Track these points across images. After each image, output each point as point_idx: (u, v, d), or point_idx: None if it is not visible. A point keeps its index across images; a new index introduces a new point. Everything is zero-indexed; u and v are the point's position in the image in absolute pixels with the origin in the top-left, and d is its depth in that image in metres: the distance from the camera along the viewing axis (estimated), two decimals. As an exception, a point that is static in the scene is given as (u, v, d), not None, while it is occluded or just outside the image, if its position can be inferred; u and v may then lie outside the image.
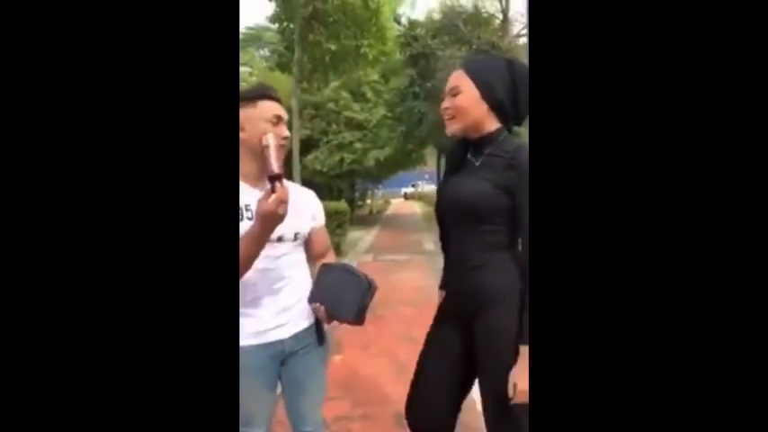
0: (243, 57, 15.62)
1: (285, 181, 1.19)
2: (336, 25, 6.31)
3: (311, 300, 1.14)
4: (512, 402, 1.01)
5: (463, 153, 1.17)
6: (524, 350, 0.99)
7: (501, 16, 8.17)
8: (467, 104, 1.09)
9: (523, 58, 3.99)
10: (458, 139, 1.18)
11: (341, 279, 1.12)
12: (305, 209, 1.21)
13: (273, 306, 1.13)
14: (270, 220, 0.97)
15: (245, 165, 1.10)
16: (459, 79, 1.11)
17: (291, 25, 6.93)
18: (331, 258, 1.29)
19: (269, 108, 1.11)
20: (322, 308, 1.11)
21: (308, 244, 1.24)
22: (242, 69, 15.51)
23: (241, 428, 1.12)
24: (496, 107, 1.10)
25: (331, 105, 11.95)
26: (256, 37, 17.57)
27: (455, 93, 1.10)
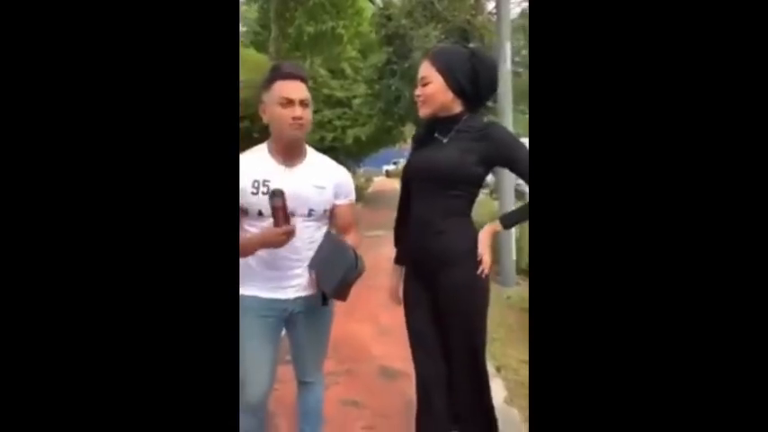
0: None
1: (319, 155, 1.32)
2: (314, 7, 6.32)
3: (309, 266, 1.19)
4: (483, 275, 1.25)
5: (430, 133, 1.34)
6: (493, 227, 1.27)
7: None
8: (434, 92, 1.25)
9: (495, 34, 4.08)
10: (425, 122, 1.35)
11: (332, 251, 1.14)
12: (328, 186, 1.26)
13: (283, 270, 1.22)
14: (270, 245, 1.13)
15: (278, 145, 1.21)
16: (427, 70, 1.26)
17: (265, 6, 6.88)
18: (354, 234, 1.34)
19: (279, 90, 1.16)
20: (313, 275, 1.17)
21: (331, 219, 1.31)
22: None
23: (247, 377, 1.22)
24: (460, 92, 1.26)
25: (309, 83, 11.83)
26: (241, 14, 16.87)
27: (424, 83, 1.27)
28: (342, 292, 1.10)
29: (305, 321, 1.30)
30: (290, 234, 1.09)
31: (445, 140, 1.29)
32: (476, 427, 1.37)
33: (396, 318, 1.47)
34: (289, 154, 1.22)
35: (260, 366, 1.25)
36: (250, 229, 1.20)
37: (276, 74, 1.18)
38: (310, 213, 1.22)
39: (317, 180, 1.24)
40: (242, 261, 1.19)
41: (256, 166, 1.19)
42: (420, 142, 1.38)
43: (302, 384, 1.42)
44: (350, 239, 1.28)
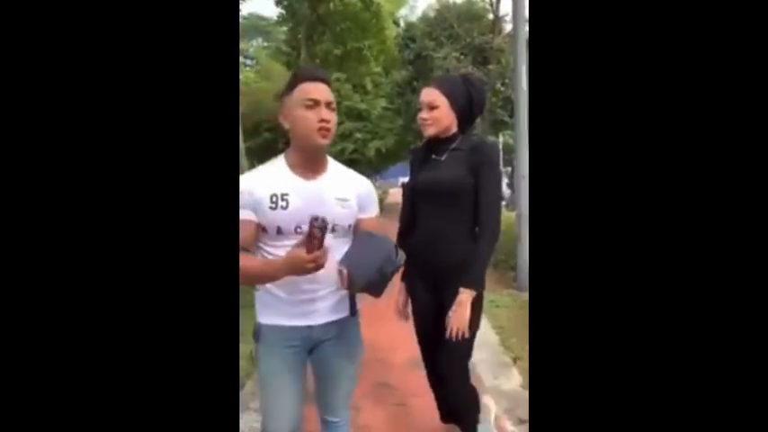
0: (245, 48, 15.49)
1: (341, 166, 1.19)
2: (342, 32, 6.75)
3: (340, 263, 1.05)
4: (448, 335, 1.31)
5: (427, 153, 1.48)
6: (467, 292, 1.31)
7: (492, 15, 8.54)
8: (442, 116, 1.40)
9: (511, 55, 4.40)
10: (424, 144, 1.52)
11: (365, 243, 1.06)
12: (352, 199, 1.14)
13: (307, 294, 1.10)
14: (298, 272, 0.99)
15: (299, 156, 1.10)
16: (434, 95, 1.40)
17: (298, 28, 7.37)
18: None
19: (305, 91, 1.06)
20: (345, 272, 1.03)
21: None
22: (245, 61, 15.41)
23: (271, 414, 1.11)
24: (459, 115, 1.43)
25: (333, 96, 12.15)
26: (261, 29, 17.53)
27: (432, 107, 1.40)
28: (376, 285, 1.01)
29: (333, 350, 1.16)
30: (318, 263, 0.97)
31: (442, 159, 1.43)
32: (469, 413, 1.53)
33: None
34: (310, 165, 1.11)
35: (286, 402, 1.12)
36: (270, 249, 1.09)
37: (298, 77, 1.09)
38: (333, 229, 1.09)
39: (340, 192, 1.13)
40: (261, 285, 1.10)
41: (273, 179, 1.08)
42: (421, 163, 1.50)
43: (328, 424, 1.25)
44: None
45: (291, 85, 1.09)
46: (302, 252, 0.96)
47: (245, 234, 1.05)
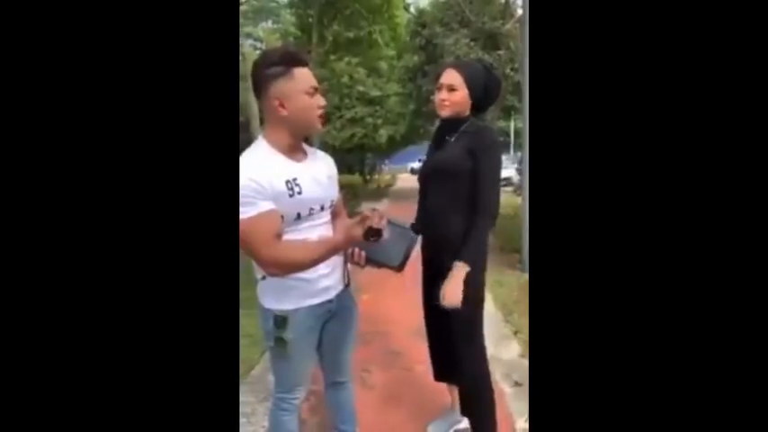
0: (254, 32, 15.41)
1: (309, 148, 1.20)
2: (352, 16, 6.82)
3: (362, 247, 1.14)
4: (441, 304, 1.37)
5: (443, 135, 1.55)
6: (460, 265, 1.36)
7: (503, 0, 8.47)
8: (460, 100, 1.46)
9: (521, 41, 4.45)
10: (439, 125, 1.59)
11: (389, 230, 1.12)
12: (334, 175, 1.24)
13: (321, 270, 1.15)
14: (354, 243, 1.06)
15: (289, 140, 1.09)
16: (455, 78, 1.44)
17: (308, 11, 7.44)
18: (344, 216, 1.33)
19: (305, 78, 1.06)
20: (362, 252, 1.14)
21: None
22: (256, 44, 15.33)
23: (291, 391, 1.23)
24: (474, 101, 1.49)
25: (344, 80, 12.16)
26: (270, 11, 17.47)
27: (452, 89, 1.45)
28: (405, 264, 1.17)
29: (340, 320, 1.27)
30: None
31: (452, 139, 1.49)
32: (480, 386, 1.58)
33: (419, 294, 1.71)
34: (297, 148, 1.13)
35: (306, 367, 1.25)
36: (289, 237, 1.09)
37: (294, 60, 1.05)
38: (331, 205, 1.21)
39: (327, 170, 1.20)
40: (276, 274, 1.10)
41: (278, 166, 1.07)
42: (435, 143, 1.57)
43: (336, 385, 1.39)
44: (341, 222, 1.27)
45: (286, 68, 1.04)
46: (360, 233, 1.01)
47: (276, 224, 1.04)
